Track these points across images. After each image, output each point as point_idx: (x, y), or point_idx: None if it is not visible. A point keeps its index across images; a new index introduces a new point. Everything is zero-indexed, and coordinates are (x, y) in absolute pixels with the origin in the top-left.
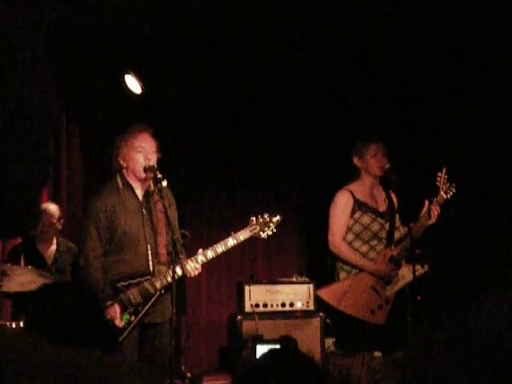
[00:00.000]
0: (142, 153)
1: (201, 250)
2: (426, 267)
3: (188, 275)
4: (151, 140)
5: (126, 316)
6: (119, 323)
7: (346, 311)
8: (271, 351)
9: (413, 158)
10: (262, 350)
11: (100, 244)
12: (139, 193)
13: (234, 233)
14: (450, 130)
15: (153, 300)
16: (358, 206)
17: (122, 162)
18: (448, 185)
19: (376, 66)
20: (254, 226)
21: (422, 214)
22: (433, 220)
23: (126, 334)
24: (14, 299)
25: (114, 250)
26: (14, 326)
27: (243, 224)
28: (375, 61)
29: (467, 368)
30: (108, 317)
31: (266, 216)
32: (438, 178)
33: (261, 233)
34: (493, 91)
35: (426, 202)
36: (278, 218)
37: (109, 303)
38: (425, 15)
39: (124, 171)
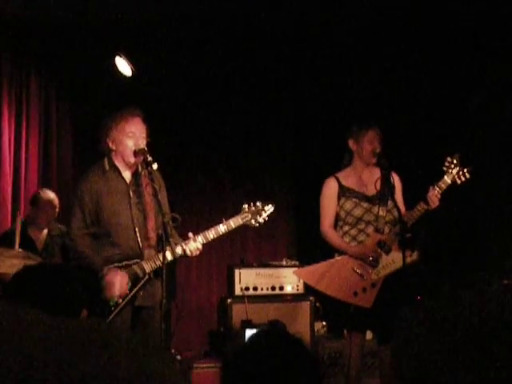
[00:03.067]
0: (132, 138)
1: (191, 234)
2: (414, 255)
3: (190, 255)
4: (142, 125)
5: (113, 299)
6: (120, 287)
7: (325, 292)
8: (259, 333)
9: (422, 143)
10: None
11: (85, 224)
12: (127, 175)
13: (226, 220)
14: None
15: (141, 284)
16: (343, 192)
17: (111, 145)
18: (458, 169)
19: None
20: (245, 214)
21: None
22: (432, 205)
23: (112, 316)
24: (3, 281)
25: (102, 233)
26: None
27: (233, 208)
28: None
29: (454, 352)
30: (107, 282)
31: (258, 204)
32: (447, 163)
33: (252, 221)
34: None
35: (431, 188)
36: (270, 206)
37: (105, 270)
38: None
39: (112, 154)
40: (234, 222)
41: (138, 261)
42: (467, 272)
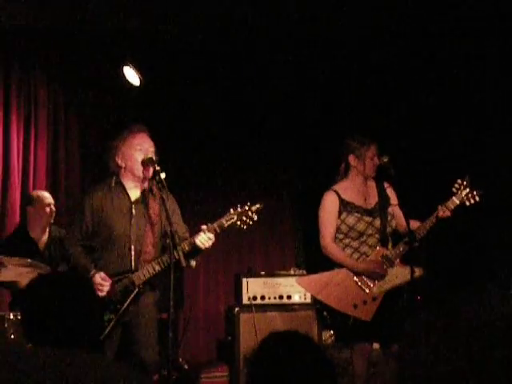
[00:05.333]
0: (140, 151)
1: (204, 226)
2: (421, 270)
3: (203, 247)
4: (149, 139)
5: (107, 315)
6: (105, 289)
7: (326, 302)
8: (272, 335)
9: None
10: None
11: (81, 237)
12: (133, 193)
13: (211, 224)
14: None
15: (132, 296)
16: (344, 206)
17: (120, 162)
18: (468, 192)
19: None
20: (231, 216)
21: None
22: (443, 215)
23: (106, 332)
24: (12, 289)
25: (99, 247)
26: (11, 316)
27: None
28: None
29: (459, 355)
30: (96, 284)
31: (245, 205)
32: (457, 185)
33: (238, 222)
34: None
35: (439, 207)
36: (257, 206)
37: (92, 273)
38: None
39: (121, 171)
40: (218, 226)
41: (128, 275)
42: (475, 283)
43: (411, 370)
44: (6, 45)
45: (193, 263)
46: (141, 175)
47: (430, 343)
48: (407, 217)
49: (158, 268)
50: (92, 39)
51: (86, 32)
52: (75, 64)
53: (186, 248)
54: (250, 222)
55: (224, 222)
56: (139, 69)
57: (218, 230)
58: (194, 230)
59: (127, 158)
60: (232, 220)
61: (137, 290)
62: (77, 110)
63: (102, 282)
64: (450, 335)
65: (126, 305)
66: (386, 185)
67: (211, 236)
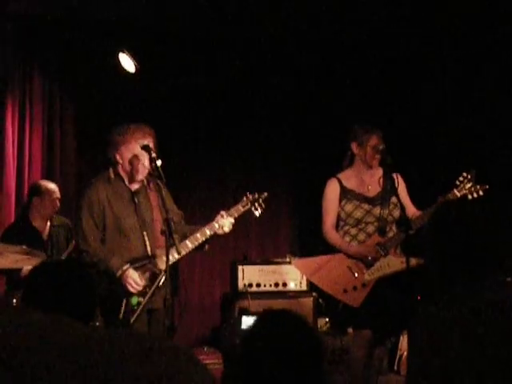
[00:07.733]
0: (140, 158)
1: (223, 212)
2: (417, 260)
3: (227, 231)
4: (153, 144)
5: (135, 298)
6: (138, 286)
7: (318, 284)
8: (264, 315)
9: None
10: (247, 321)
11: (96, 229)
12: (131, 184)
13: (227, 211)
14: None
15: (158, 280)
16: (344, 193)
17: (118, 159)
18: (471, 185)
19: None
20: (246, 202)
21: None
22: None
23: (136, 315)
24: (9, 276)
25: (110, 238)
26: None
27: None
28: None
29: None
30: (126, 282)
31: (256, 194)
32: (461, 178)
33: (252, 208)
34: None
35: (439, 197)
36: (265, 194)
37: (124, 267)
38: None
39: (118, 165)
40: (236, 211)
41: (152, 260)
42: (477, 271)
43: (431, 362)
44: None
45: (206, 247)
46: (137, 179)
47: (448, 336)
48: (402, 205)
49: (180, 253)
50: (86, 26)
51: (80, 19)
52: (70, 51)
53: (208, 233)
54: (260, 210)
55: (241, 207)
56: (134, 55)
57: (236, 215)
58: (195, 217)
59: (125, 161)
60: (247, 206)
61: (163, 273)
62: (72, 97)
63: (137, 282)
64: (469, 327)
65: (153, 288)
66: (397, 175)
67: (232, 220)
